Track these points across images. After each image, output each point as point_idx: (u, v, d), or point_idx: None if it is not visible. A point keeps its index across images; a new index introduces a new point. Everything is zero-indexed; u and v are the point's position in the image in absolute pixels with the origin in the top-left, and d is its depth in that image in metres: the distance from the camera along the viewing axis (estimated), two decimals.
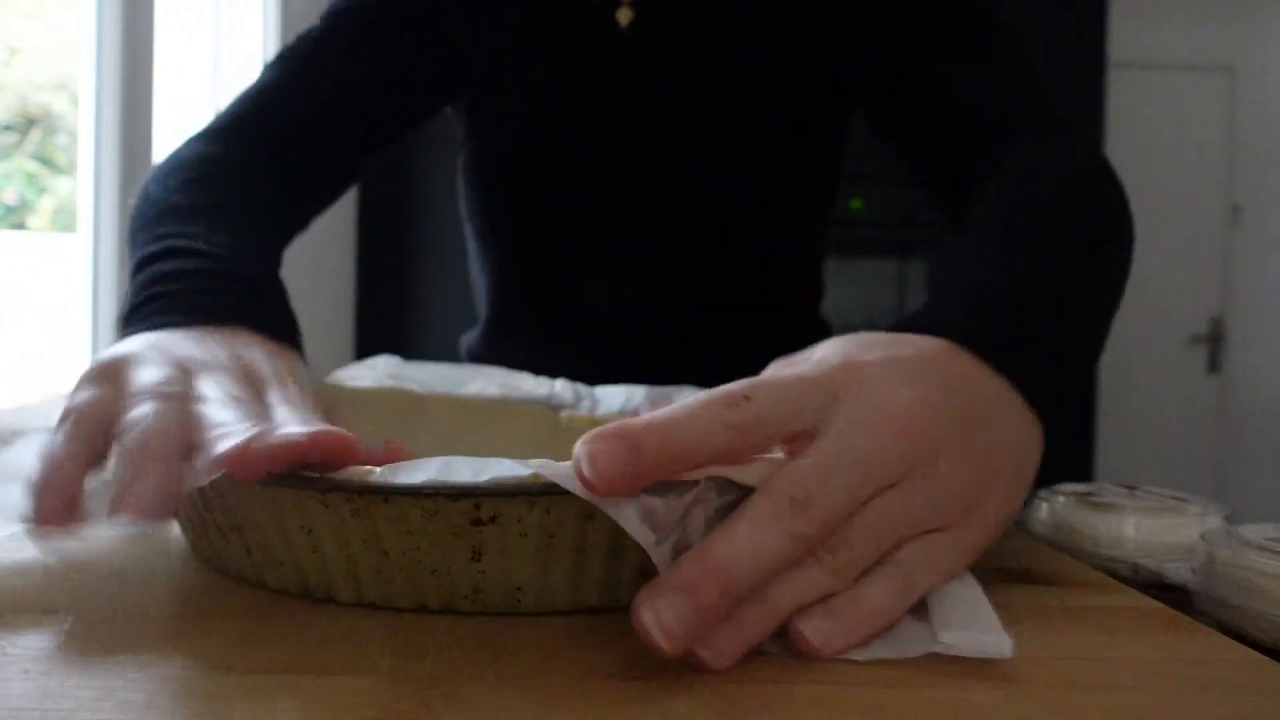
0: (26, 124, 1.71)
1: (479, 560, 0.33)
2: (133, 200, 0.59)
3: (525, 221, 0.80)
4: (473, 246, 0.85)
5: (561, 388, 0.65)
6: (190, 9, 2.08)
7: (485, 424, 0.61)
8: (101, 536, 0.46)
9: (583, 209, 0.78)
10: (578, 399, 0.64)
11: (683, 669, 0.30)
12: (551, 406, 0.64)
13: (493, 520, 0.32)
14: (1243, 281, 3.45)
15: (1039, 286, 0.42)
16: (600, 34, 0.75)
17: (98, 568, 0.40)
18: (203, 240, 0.51)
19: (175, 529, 0.48)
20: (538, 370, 0.67)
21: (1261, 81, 3.41)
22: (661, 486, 0.30)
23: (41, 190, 1.76)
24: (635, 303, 0.77)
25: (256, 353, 0.42)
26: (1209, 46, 3.41)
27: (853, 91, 0.76)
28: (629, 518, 0.29)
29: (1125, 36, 3.08)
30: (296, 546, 0.35)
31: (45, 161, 1.75)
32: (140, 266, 0.50)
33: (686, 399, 0.30)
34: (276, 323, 0.47)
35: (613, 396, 0.64)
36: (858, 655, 0.31)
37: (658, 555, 0.29)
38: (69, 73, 1.71)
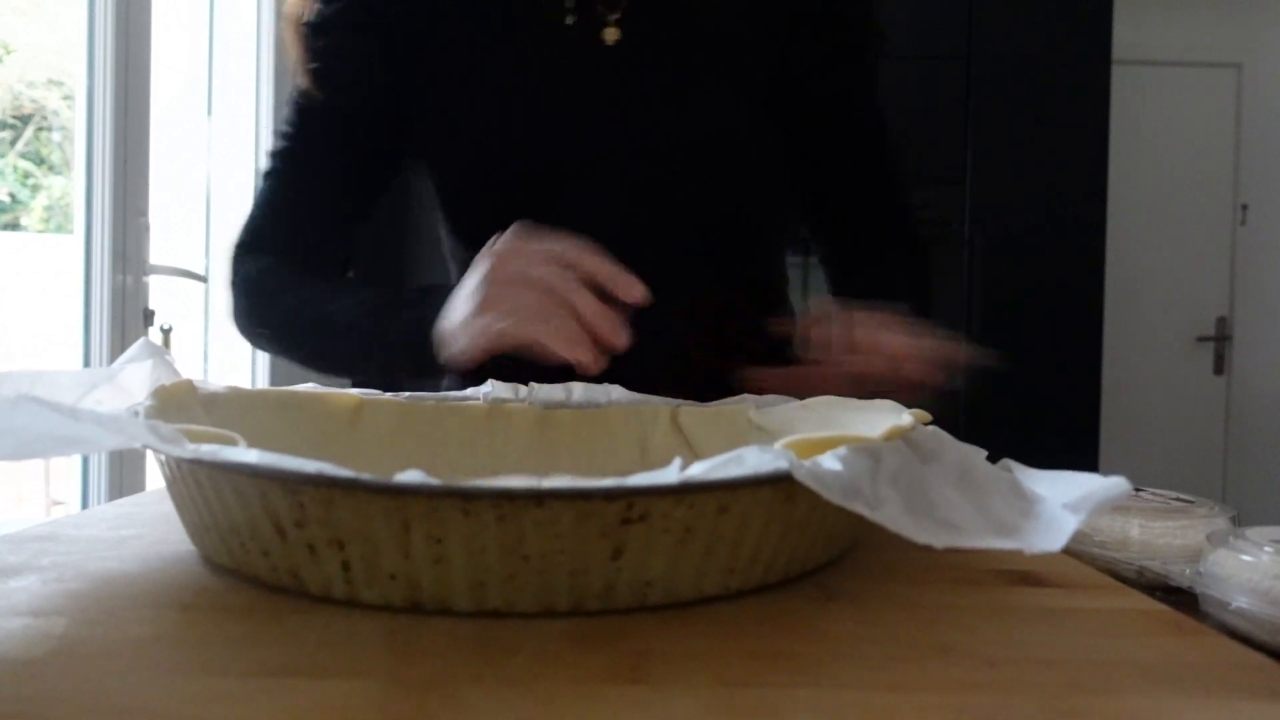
0: (20, 121, 1.71)
1: (618, 559, 0.34)
2: (240, 296, 0.81)
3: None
4: (447, 250, 0.89)
5: (500, 389, 0.65)
6: (186, 6, 2.07)
7: (422, 425, 0.62)
8: (93, 540, 0.45)
9: (570, 219, 0.79)
10: (515, 394, 0.65)
11: (681, 671, 0.30)
12: (488, 403, 0.64)
13: (641, 519, 0.33)
14: (1249, 281, 3.40)
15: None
16: (588, 53, 0.79)
17: (89, 571, 0.40)
18: None
19: (172, 532, 0.47)
20: (510, 366, 0.68)
21: (1268, 79, 3.36)
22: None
23: (35, 188, 1.75)
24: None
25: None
26: (1215, 43, 3.38)
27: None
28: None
29: (1130, 33, 3.05)
30: (416, 559, 0.34)
31: (38, 160, 1.75)
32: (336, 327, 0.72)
33: None
34: None
35: (552, 388, 0.64)
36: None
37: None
38: (63, 69, 1.70)
